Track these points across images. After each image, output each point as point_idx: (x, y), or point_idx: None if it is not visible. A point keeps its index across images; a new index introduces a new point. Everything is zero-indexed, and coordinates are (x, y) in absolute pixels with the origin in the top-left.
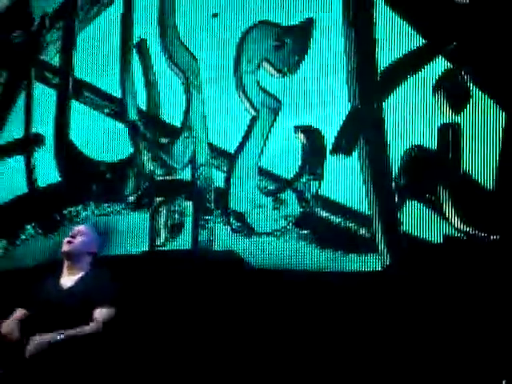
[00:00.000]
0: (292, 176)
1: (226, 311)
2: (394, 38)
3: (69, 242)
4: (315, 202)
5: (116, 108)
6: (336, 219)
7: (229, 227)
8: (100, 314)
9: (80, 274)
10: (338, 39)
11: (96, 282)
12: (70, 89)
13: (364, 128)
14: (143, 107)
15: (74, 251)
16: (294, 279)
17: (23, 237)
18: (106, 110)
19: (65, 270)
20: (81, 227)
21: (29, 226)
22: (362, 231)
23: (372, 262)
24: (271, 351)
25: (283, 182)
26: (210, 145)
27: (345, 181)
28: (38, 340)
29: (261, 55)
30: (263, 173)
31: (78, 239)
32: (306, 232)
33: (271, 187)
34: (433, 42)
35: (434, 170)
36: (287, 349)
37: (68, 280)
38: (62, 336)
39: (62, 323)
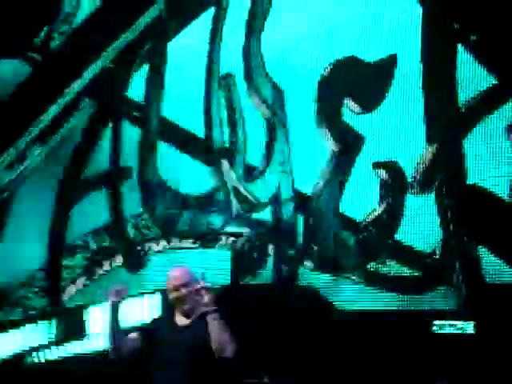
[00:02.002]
0: (371, 212)
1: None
2: (470, 77)
3: (175, 293)
4: (392, 244)
5: (199, 146)
6: (406, 266)
7: (311, 263)
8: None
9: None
10: (418, 76)
11: None
12: (155, 126)
13: (443, 166)
14: (227, 143)
15: (184, 301)
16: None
17: (102, 271)
18: (188, 148)
19: (177, 311)
20: (179, 275)
21: (107, 261)
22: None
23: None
24: None
25: (363, 222)
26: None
27: (421, 220)
28: None
29: (344, 90)
30: (343, 215)
31: (183, 291)
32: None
33: (352, 227)
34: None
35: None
36: None
37: (182, 319)
38: None
39: (177, 361)
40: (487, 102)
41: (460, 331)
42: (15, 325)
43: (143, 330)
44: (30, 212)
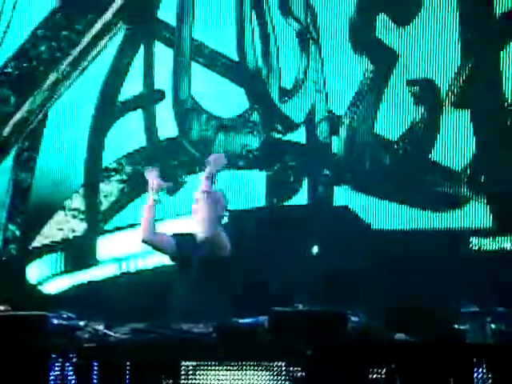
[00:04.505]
0: (406, 130)
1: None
2: None
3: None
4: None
5: (232, 68)
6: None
7: (347, 183)
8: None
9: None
10: None
11: None
12: (188, 49)
13: (479, 82)
14: (260, 64)
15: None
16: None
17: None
18: (221, 70)
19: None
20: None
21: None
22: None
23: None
24: None
25: (398, 141)
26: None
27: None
28: None
29: (378, 5)
30: (378, 135)
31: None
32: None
33: (387, 146)
34: None
35: None
36: None
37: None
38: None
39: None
40: None
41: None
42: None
43: (178, 236)
44: (65, 136)
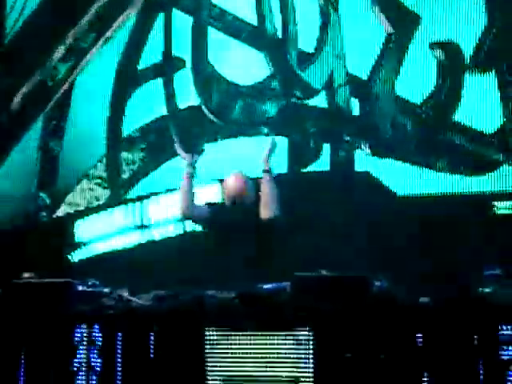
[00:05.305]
0: (429, 94)
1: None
2: None
3: (229, 201)
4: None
5: (252, 34)
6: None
7: (368, 148)
8: None
9: None
10: None
11: None
12: (207, 14)
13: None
14: (280, 32)
15: None
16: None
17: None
18: (242, 35)
19: None
20: (232, 186)
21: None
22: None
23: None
24: None
25: (421, 105)
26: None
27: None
28: None
29: None
30: (400, 99)
31: (236, 200)
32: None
33: (409, 110)
34: None
35: None
36: None
37: None
38: None
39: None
40: None
41: None
42: None
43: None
44: (88, 105)
